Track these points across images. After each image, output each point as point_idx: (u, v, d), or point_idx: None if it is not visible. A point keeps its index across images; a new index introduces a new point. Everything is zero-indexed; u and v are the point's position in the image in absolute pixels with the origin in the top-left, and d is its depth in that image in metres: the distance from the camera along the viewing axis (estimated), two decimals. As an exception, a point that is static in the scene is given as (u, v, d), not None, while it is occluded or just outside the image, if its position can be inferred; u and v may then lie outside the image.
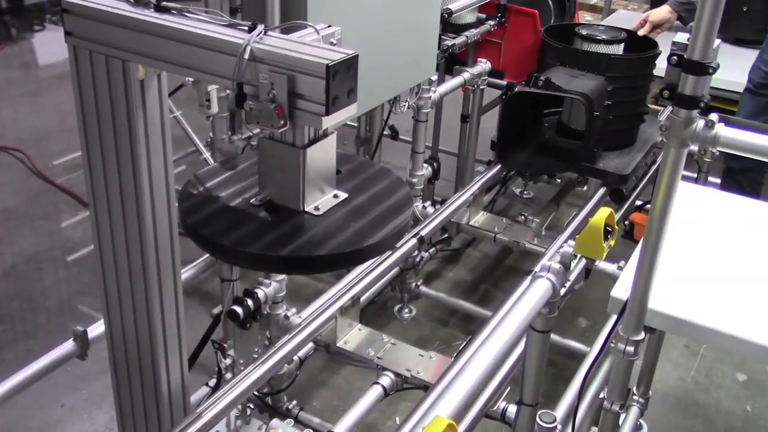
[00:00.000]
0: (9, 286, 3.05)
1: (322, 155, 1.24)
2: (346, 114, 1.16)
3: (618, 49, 2.55)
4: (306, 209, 1.23)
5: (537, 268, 2.01)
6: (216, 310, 2.37)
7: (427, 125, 2.75)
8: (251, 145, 1.98)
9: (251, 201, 1.25)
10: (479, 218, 2.76)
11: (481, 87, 2.96)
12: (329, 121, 1.13)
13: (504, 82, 3.16)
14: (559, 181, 3.65)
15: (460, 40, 2.88)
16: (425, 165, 2.73)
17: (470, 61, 3.19)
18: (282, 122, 1.13)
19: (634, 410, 2.30)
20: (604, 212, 1.39)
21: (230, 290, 2.21)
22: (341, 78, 1.11)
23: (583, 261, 1.69)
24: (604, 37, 2.55)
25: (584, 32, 2.58)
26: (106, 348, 1.89)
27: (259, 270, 1.20)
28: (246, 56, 1.14)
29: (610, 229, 1.41)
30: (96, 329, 1.91)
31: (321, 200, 1.25)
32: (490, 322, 1.61)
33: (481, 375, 1.18)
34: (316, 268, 1.17)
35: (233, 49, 1.16)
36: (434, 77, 2.54)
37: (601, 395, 2.25)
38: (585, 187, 3.49)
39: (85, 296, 3.02)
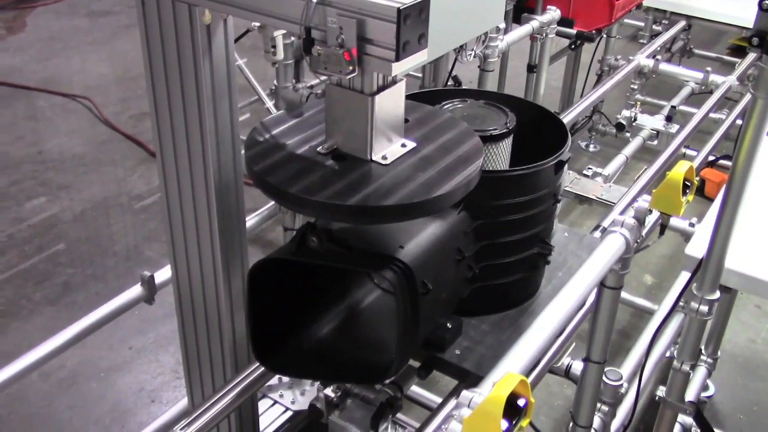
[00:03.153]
0: (79, 231, 3.13)
1: (391, 103, 1.21)
2: (417, 60, 1.12)
3: (498, 152, 1.40)
4: (373, 158, 1.20)
5: (606, 223, 1.97)
6: (278, 259, 2.38)
7: (493, 75, 2.68)
8: (315, 93, 1.96)
9: (318, 149, 1.23)
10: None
11: (549, 36, 2.87)
12: (399, 68, 1.09)
13: (573, 31, 3.06)
14: (628, 134, 3.52)
15: (529, -14, 2.78)
16: (491, 116, 2.67)
17: (538, 8, 3.08)
18: (351, 68, 1.10)
19: (702, 370, 2.25)
20: (683, 166, 1.33)
21: (293, 239, 2.22)
22: (412, 22, 1.07)
23: (657, 216, 1.62)
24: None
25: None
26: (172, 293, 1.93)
27: (325, 219, 1.18)
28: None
29: (689, 184, 1.35)
30: (163, 274, 1.94)
31: (389, 149, 1.22)
32: (559, 275, 1.56)
33: (552, 330, 1.15)
34: (382, 218, 1.14)
35: (301, -8, 1.12)
36: (502, 25, 2.46)
37: (668, 354, 2.20)
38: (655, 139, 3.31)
39: (152, 242, 3.08)
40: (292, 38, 1.83)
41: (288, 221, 2.16)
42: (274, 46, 1.45)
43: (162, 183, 1.57)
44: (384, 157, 1.21)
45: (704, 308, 1.55)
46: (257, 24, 1.68)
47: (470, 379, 1.31)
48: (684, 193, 1.33)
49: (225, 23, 1.37)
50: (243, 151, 1.47)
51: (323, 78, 2.17)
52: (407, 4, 1.06)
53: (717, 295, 1.55)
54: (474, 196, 1.23)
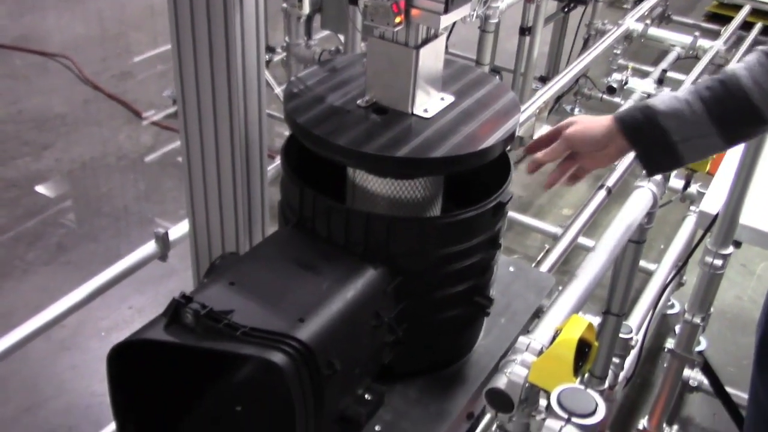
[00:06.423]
0: (67, 191, 3.09)
1: (432, 56, 1.21)
2: (462, 13, 1.14)
3: None
4: (414, 112, 1.21)
5: (609, 183, 2.00)
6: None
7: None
8: (329, 50, 1.94)
9: (357, 102, 1.23)
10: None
11: (544, -3, 2.88)
12: (447, 20, 1.10)
13: (567, -7, 3.08)
14: (617, 99, 3.54)
15: (528, -54, 2.78)
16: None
17: (533, -31, 3.09)
18: (398, 20, 1.10)
19: (696, 326, 2.32)
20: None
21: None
22: (462, -26, 1.08)
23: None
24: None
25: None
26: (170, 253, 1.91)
27: (372, 172, 1.19)
28: (362, -50, 1.10)
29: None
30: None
31: (428, 103, 1.23)
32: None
33: (589, 284, 1.18)
34: (431, 171, 1.15)
35: (348, -57, 1.12)
36: (503, -15, 2.47)
37: (666, 312, 2.27)
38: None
39: (143, 202, 3.05)
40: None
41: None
42: (300, 0, 1.44)
43: (183, 135, 1.54)
44: (425, 111, 1.22)
45: (718, 262, 1.59)
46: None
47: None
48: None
49: (257, -27, 1.35)
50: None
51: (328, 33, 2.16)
52: (459, -44, 1.06)
53: (730, 249, 1.60)
54: (393, 248, 1.06)
